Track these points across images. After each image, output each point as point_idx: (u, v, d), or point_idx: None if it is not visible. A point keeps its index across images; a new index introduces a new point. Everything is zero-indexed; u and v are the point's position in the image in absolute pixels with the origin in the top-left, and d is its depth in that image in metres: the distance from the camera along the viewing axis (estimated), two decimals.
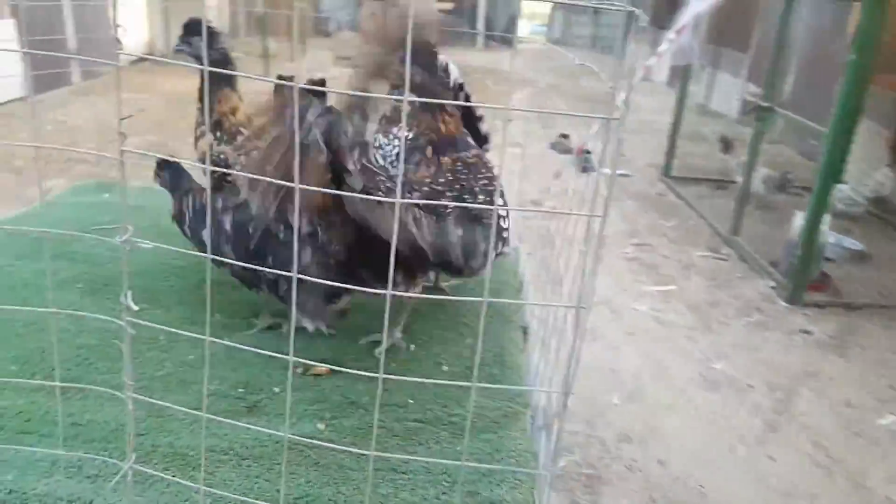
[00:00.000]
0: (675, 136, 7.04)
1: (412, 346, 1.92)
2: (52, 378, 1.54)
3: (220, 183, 2.12)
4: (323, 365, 1.66)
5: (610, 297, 4.44)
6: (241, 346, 1.22)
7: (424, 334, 1.99)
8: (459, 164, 2.04)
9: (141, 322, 1.10)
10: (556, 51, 15.87)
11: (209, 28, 2.15)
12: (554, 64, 13.86)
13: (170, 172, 2.05)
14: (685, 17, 4.64)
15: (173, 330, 1.16)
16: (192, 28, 2.12)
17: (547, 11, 17.15)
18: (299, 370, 1.73)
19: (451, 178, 2.00)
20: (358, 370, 1.22)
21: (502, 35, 15.78)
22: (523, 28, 17.01)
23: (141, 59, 10.70)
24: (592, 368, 3.54)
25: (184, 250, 1.47)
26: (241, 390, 1.69)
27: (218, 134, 2.18)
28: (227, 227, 1.79)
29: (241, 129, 2.20)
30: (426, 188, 1.96)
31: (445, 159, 2.09)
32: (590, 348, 3.68)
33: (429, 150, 2.08)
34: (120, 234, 1.00)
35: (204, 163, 2.11)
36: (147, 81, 9.47)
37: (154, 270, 2.25)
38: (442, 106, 2.10)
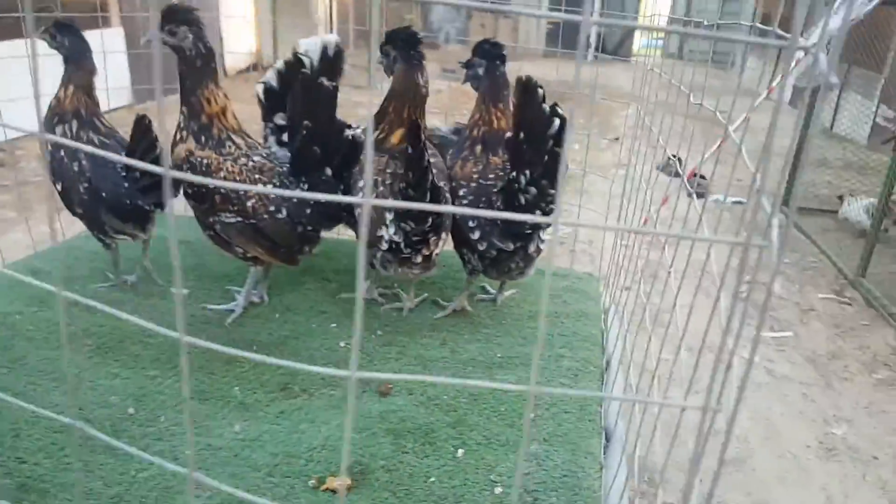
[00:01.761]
0: (796, 162, 6.43)
1: (460, 451, 1.61)
2: None
3: (200, 193, 2.00)
4: (341, 479, 1.47)
5: (717, 342, 4.01)
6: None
7: (477, 431, 1.68)
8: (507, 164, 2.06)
9: None
10: (672, 66, 15.19)
11: (193, 17, 1.93)
12: (667, 80, 13.25)
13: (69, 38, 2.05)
14: (816, 33, 4.17)
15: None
16: (171, 16, 1.90)
17: (663, 25, 16.48)
18: (311, 483, 1.48)
19: (498, 175, 2.08)
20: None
21: (614, 48, 15.30)
22: (638, 41, 16.42)
23: (247, 70, 11.06)
24: (691, 428, 3.15)
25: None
26: None
27: (203, 139, 1.99)
28: None
29: (232, 136, 2.03)
30: (473, 184, 2.10)
31: (495, 159, 2.13)
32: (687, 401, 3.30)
33: (478, 148, 2.16)
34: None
35: (180, 169, 1.95)
36: (251, 90, 9.69)
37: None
38: (498, 100, 2.19)
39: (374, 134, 2.09)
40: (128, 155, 2.08)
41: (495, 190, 2.03)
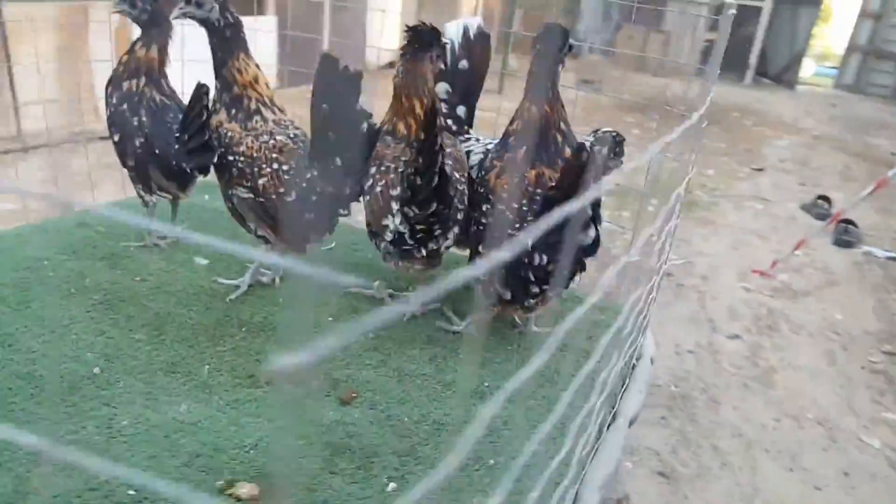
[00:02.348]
0: None
1: (391, 486, 1.44)
2: None
3: (221, 164, 2.01)
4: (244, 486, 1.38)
5: (831, 416, 3.45)
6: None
7: (423, 467, 1.50)
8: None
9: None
10: (844, 98, 13.76)
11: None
12: (837, 113, 12.03)
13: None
14: None
15: None
16: None
17: (840, 53, 14.98)
18: (219, 483, 1.39)
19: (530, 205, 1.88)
20: None
21: (777, 73, 14.11)
22: (807, 68, 15.05)
23: (389, 66, 11.28)
24: None
25: None
26: None
27: (233, 111, 1.98)
28: None
29: (262, 109, 2.00)
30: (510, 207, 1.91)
31: (532, 173, 1.92)
32: (783, 478, 2.88)
33: (520, 153, 1.95)
34: None
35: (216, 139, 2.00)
36: (389, 86, 9.86)
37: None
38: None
39: (383, 125, 1.99)
40: (183, 119, 2.12)
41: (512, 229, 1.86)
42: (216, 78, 1.99)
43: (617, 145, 2.13)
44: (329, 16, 9.01)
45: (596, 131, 2.15)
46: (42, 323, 1.84)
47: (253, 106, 1.99)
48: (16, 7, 5.07)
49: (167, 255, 2.31)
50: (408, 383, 1.79)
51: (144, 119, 2.16)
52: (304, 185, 1.96)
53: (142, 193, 2.28)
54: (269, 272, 2.22)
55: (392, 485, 1.44)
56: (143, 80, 2.17)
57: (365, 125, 1.94)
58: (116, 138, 2.19)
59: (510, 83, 11.37)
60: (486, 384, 1.83)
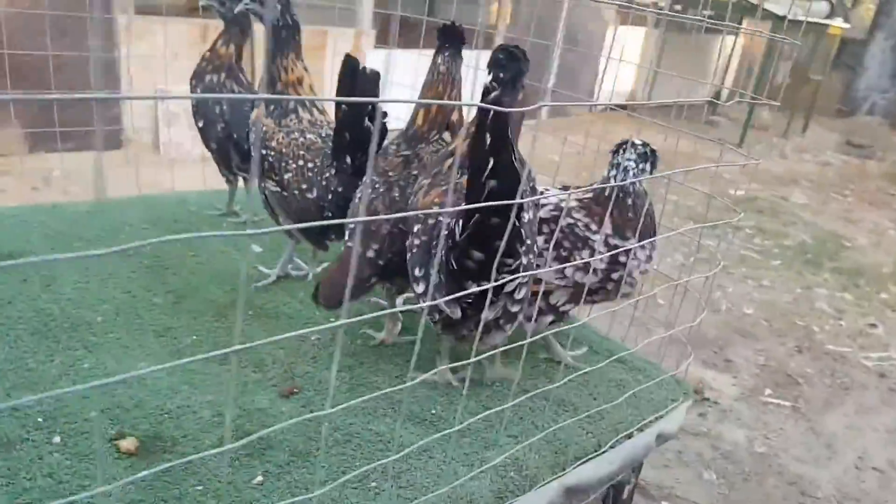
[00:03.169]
0: None
1: (258, 478, 1.43)
2: None
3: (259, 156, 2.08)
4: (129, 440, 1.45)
5: None
6: None
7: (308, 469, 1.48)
8: None
9: None
10: None
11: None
12: None
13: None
14: None
15: None
16: None
17: None
18: (112, 432, 1.48)
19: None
20: None
21: None
22: None
23: (618, 107, 11.03)
24: None
25: None
26: None
27: (272, 107, 2.07)
28: None
29: (299, 108, 2.08)
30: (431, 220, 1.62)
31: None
32: None
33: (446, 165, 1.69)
34: None
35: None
36: (610, 129, 9.63)
37: None
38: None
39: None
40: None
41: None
42: (265, 73, 2.14)
43: (648, 156, 1.87)
44: (557, 55, 9.06)
45: (622, 144, 1.91)
46: (85, 273, 2.10)
47: (291, 105, 2.10)
48: None
49: (231, 239, 2.51)
50: (355, 394, 1.73)
51: (225, 108, 2.42)
52: (324, 183, 2.02)
53: (224, 173, 2.55)
54: (304, 268, 2.31)
55: (259, 478, 1.41)
56: (223, 74, 2.41)
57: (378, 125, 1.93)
58: (201, 124, 2.46)
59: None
60: (433, 412, 1.71)
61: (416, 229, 1.63)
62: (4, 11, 4.62)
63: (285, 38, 2.08)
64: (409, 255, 1.64)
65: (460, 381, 1.79)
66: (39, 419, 1.48)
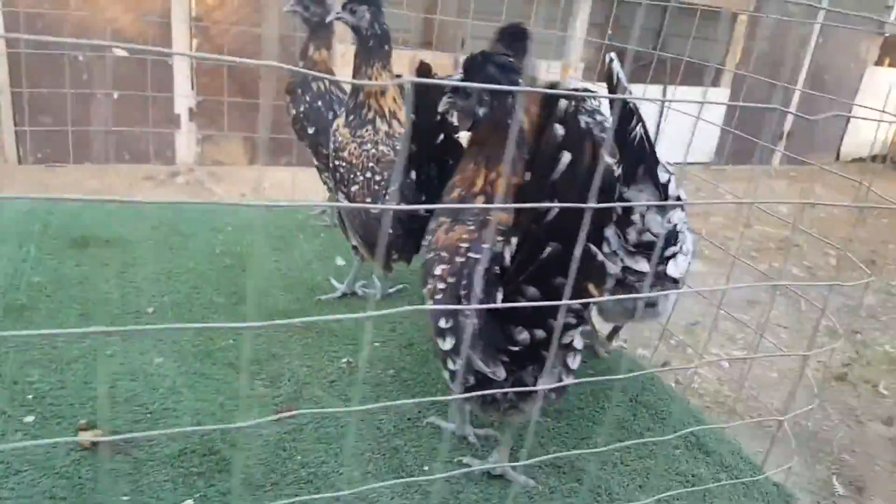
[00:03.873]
0: None
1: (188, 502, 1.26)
2: None
3: (331, 167, 2.03)
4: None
5: None
6: None
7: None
8: None
9: None
10: None
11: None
12: None
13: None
14: None
15: None
16: None
17: None
18: (81, 422, 1.43)
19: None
20: None
21: None
22: None
23: (868, 159, 9.51)
24: None
25: None
26: None
27: (351, 117, 1.97)
28: None
29: (378, 119, 1.95)
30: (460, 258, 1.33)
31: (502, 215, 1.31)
32: None
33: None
34: None
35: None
36: (857, 184, 8.34)
37: None
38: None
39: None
40: None
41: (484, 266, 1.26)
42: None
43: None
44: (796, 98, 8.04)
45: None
46: (166, 265, 2.16)
47: (370, 116, 1.97)
48: None
49: (321, 248, 2.48)
50: (349, 426, 1.54)
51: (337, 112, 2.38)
52: (388, 197, 1.87)
53: (324, 180, 2.50)
54: (374, 287, 2.17)
55: (189, 502, 1.27)
56: (327, 82, 2.38)
57: (441, 136, 1.73)
58: (311, 130, 2.43)
59: None
60: (426, 468, 1.45)
61: (438, 271, 1.35)
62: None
63: (373, 47, 1.98)
64: (430, 302, 1.36)
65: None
66: (29, 396, 1.49)
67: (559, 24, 7.21)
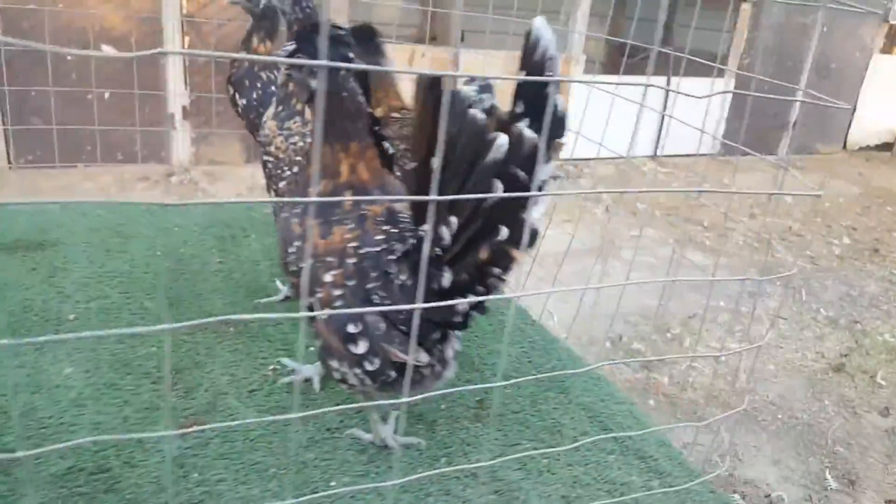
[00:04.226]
0: None
1: None
2: None
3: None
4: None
5: None
6: None
7: None
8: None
9: None
10: None
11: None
12: None
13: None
14: None
15: None
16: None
17: None
18: None
19: (390, 232, 1.29)
20: None
21: None
22: None
23: (876, 147, 9.24)
24: None
25: None
26: None
27: (280, 108, 1.89)
28: None
29: (308, 111, 1.84)
30: (351, 259, 1.27)
31: (375, 208, 1.32)
32: None
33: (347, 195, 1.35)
34: None
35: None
36: (864, 173, 8.15)
37: None
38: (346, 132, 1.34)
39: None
40: None
41: (392, 258, 1.25)
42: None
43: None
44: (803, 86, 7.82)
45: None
46: (95, 268, 2.08)
47: (299, 106, 1.88)
48: None
49: (271, 247, 2.38)
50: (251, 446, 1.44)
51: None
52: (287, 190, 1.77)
53: None
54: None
55: None
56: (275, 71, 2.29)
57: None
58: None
59: None
60: (333, 482, 1.35)
61: (329, 278, 1.25)
62: None
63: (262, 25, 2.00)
64: (327, 309, 1.26)
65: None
66: None
67: (561, 18, 7.08)
